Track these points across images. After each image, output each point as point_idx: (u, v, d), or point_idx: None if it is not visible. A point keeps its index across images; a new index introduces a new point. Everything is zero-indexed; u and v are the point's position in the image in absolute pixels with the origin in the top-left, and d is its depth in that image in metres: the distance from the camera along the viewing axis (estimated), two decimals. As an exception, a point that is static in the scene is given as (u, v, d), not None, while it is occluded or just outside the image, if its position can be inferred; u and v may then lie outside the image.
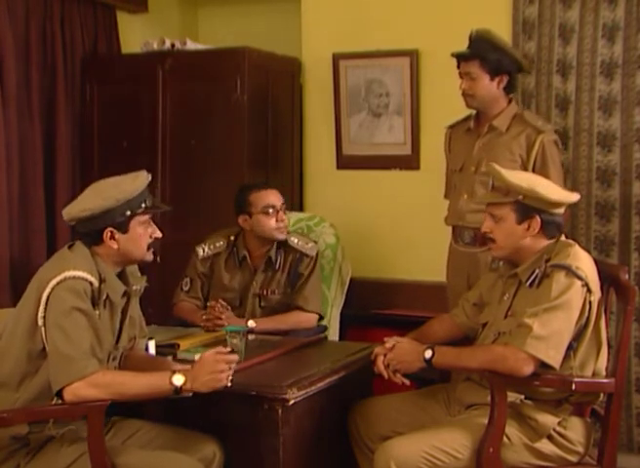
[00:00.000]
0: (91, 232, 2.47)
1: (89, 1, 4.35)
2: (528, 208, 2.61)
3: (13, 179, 3.95)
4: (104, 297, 2.45)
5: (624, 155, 3.67)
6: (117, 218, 2.46)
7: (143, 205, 2.50)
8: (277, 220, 3.34)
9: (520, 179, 2.64)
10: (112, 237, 2.46)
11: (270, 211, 3.33)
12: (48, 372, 2.34)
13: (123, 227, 2.47)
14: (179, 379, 2.32)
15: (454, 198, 3.46)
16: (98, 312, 2.41)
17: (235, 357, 2.43)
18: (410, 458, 2.44)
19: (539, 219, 2.61)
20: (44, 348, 2.36)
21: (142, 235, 2.51)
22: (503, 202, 2.63)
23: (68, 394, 2.29)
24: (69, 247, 2.51)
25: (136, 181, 2.50)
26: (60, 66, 4.22)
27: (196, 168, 4.15)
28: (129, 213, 2.47)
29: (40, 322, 2.35)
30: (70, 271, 2.36)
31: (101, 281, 2.43)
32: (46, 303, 2.34)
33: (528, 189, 2.60)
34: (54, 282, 2.35)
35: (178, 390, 2.33)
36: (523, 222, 2.62)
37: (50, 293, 2.34)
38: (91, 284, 2.39)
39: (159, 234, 2.56)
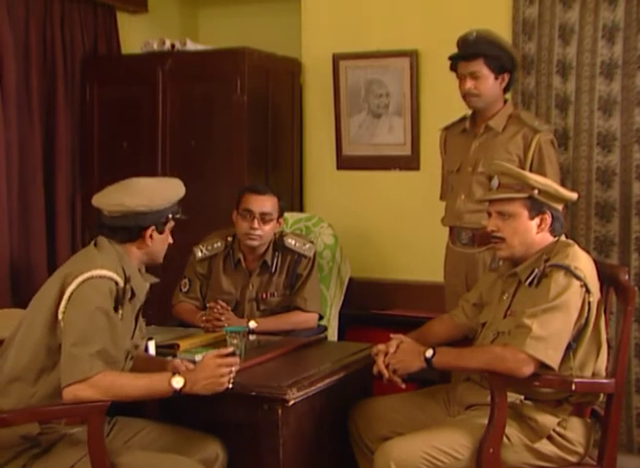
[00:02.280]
0: (133, 227, 2.51)
1: (89, 1, 4.35)
2: (540, 203, 2.62)
3: (13, 180, 3.95)
4: (129, 297, 2.47)
5: (624, 155, 3.67)
6: (162, 219, 2.55)
7: (178, 212, 2.61)
8: (250, 227, 3.28)
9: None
10: (151, 235, 2.53)
11: (247, 215, 3.29)
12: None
13: (161, 228, 2.56)
14: (178, 382, 2.33)
15: (451, 199, 3.46)
16: (121, 312, 2.43)
17: (236, 359, 2.43)
18: (410, 459, 2.44)
19: (550, 215, 2.62)
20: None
21: (167, 239, 2.62)
22: (516, 198, 2.63)
23: (68, 394, 2.30)
24: (95, 244, 2.52)
25: (181, 189, 2.63)
26: (60, 67, 4.22)
27: (196, 168, 4.15)
28: (170, 216, 2.58)
29: (60, 316, 2.36)
30: (97, 270, 2.38)
31: (127, 280, 2.46)
32: (68, 299, 2.35)
33: (544, 184, 2.62)
34: (80, 279, 2.36)
35: (177, 392, 2.33)
36: (535, 218, 2.63)
37: (74, 290, 2.35)
38: (116, 283, 2.41)
39: (171, 240, 2.65)
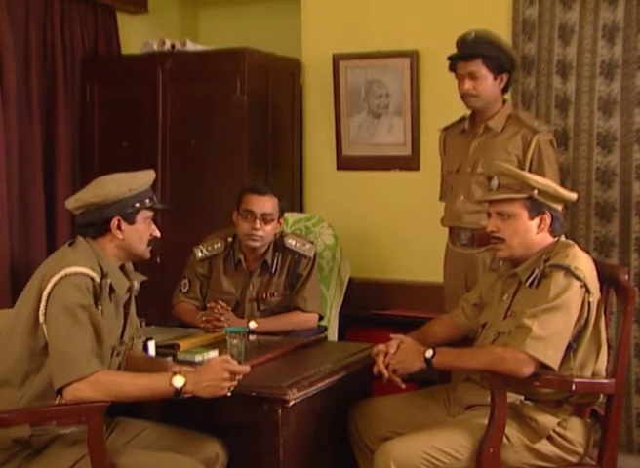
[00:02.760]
0: (98, 221, 2.48)
1: (89, 2, 4.35)
2: (540, 204, 2.62)
3: (13, 180, 3.95)
4: (107, 292, 2.45)
5: (624, 156, 3.66)
6: (127, 209, 2.50)
7: (149, 200, 2.55)
8: (252, 228, 3.28)
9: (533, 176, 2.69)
10: (119, 227, 2.49)
11: (248, 216, 3.29)
12: (50, 369, 2.33)
13: (130, 218, 2.51)
14: (179, 381, 2.32)
15: (450, 199, 3.46)
16: (100, 308, 2.41)
17: (244, 368, 2.41)
18: (410, 459, 2.44)
19: (549, 215, 2.62)
20: (46, 345, 2.35)
21: (145, 230, 2.55)
22: (516, 198, 2.63)
23: (68, 394, 2.29)
24: (70, 244, 2.51)
25: (146, 176, 2.57)
26: (60, 67, 4.22)
27: (196, 168, 4.15)
28: (138, 204, 2.51)
29: (41, 318, 2.35)
30: (72, 267, 2.36)
31: (103, 276, 2.44)
32: (47, 300, 2.34)
33: (544, 184, 2.62)
34: (55, 278, 2.35)
35: (178, 392, 2.32)
36: (535, 218, 2.63)
37: (51, 290, 2.34)
38: (92, 279, 2.39)
39: (158, 233, 2.60)
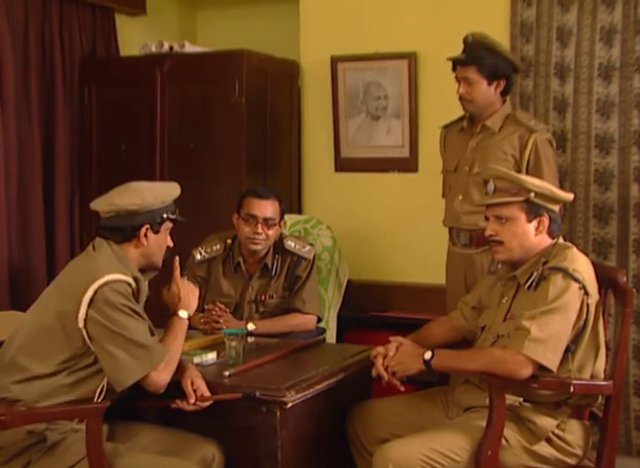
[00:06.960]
0: (127, 227, 2.54)
1: (87, 3, 4.35)
2: (537, 206, 2.62)
3: (11, 182, 3.95)
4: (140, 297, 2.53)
5: (622, 157, 3.67)
6: (156, 218, 2.57)
7: (173, 213, 2.63)
8: (254, 232, 3.28)
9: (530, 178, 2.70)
10: (145, 234, 2.56)
11: (250, 220, 3.28)
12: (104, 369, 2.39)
13: (156, 228, 2.58)
14: (184, 313, 2.59)
15: (449, 199, 3.47)
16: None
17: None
18: (408, 461, 2.44)
19: (547, 217, 2.62)
20: (83, 347, 2.38)
21: (165, 240, 2.64)
22: (513, 201, 2.63)
23: (151, 381, 2.40)
24: (93, 247, 2.54)
25: (175, 189, 2.66)
26: (59, 69, 4.22)
27: (195, 170, 4.15)
28: (165, 215, 2.60)
29: (81, 324, 2.36)
30: (111, 275, 2.40)
31: (136, 281, 2.50)
32: (88, 305, 2.36)
33: (540, 186, 2.62)
34: (96, 285, 2.38)
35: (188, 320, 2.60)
36: (533, 221, 2.63)
37: (93, 296, 2.37)
38: (130, 285, 2.45)
39: (171, 244, 2.67)
